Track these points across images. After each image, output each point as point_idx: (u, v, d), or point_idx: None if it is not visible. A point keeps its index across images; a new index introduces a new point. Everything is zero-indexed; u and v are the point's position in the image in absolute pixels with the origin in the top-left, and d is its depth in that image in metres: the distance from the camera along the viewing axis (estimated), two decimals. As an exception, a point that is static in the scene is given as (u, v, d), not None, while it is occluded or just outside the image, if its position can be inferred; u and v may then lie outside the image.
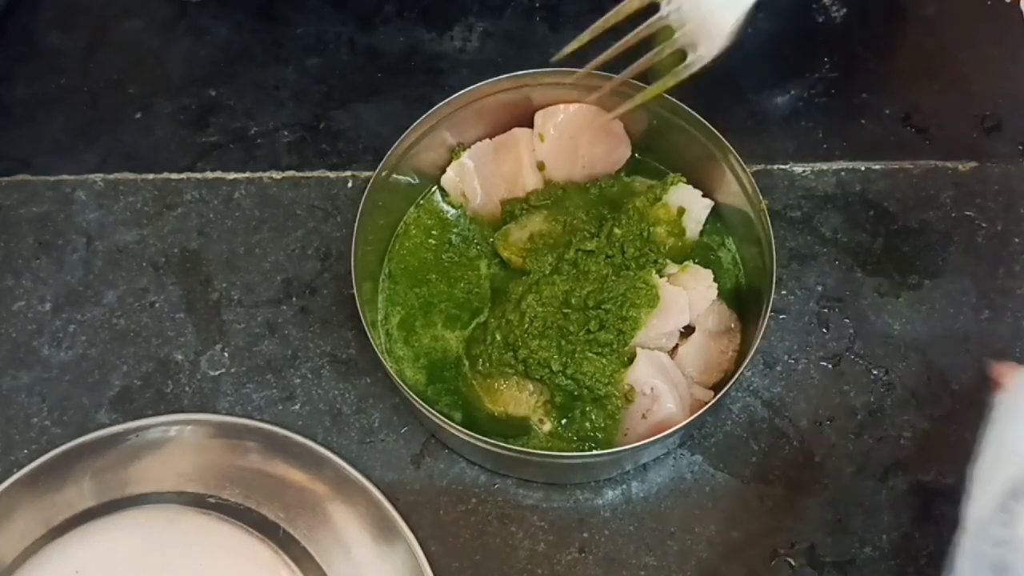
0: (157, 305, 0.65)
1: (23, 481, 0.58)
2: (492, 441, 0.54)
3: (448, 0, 0.76)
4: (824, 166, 0.69)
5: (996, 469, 0.39)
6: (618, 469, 0.60)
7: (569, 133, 0.64)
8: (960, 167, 0.69)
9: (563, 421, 0.58)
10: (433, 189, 0.66)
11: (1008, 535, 0.36)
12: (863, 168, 0.69)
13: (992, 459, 0.40)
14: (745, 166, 0.60)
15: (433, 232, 0.65)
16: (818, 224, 0.67)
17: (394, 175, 0.62)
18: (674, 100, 0.61)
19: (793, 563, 0.58)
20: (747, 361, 0.56)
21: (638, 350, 0.58)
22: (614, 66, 0.60)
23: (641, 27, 0.57)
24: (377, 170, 0.60)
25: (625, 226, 0.61)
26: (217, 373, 0.63)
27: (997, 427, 0.41)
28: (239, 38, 0.75)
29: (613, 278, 0.59)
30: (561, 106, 0.64)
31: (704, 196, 0.63)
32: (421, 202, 0.66)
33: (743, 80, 0.72)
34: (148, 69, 0.74)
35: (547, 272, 0.60)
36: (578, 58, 0.72)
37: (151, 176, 0.69)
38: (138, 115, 0.72)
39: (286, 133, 0.71)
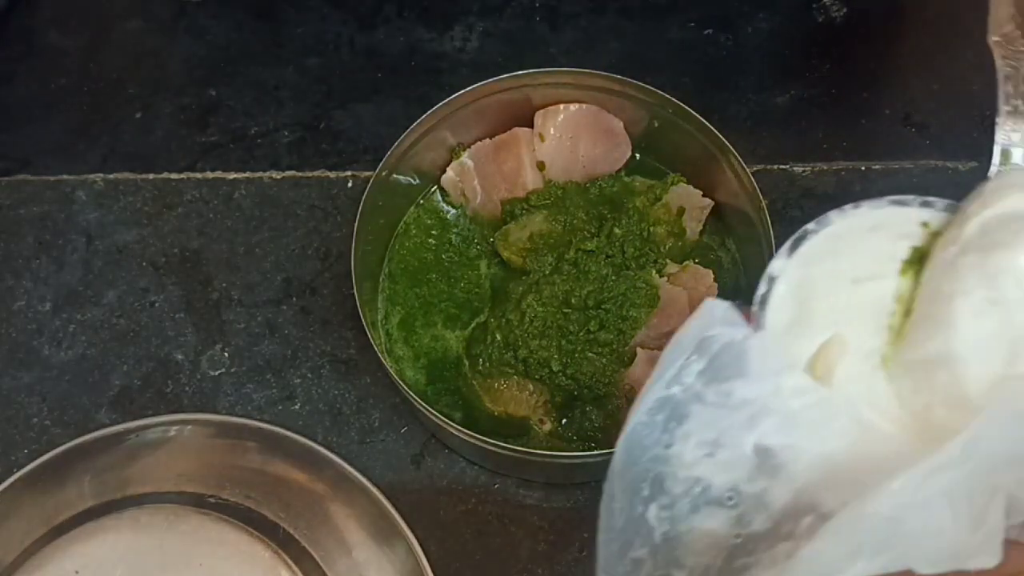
0: (157, 305, 0.65)
1: (23, 481, 0.58)
2: (492, 441, 0.54)
3: (448, 0, 0.76)
4: (824, 166, 0.69)
5: (655, 386, 0.38)
6: (618, 469, 0.60)
7: (569, 133, 0.64)
8: (960, 167, 0.69)
9: (563, 421, 0.58)
10: (433, 189, 0.66)
11: (666, 454, 0.37)
12: (863, 168, 0.69)
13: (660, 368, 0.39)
14: (745, 166, 0.60)
15: (433, 232, 0.65)
16: (818, 224, 0.67)
17: (394, 175, 0.62)
18: (674, 100, 0.61)
19: (793, 563, 0.58)
20: (747, 361, 0.56)
21: (638, 350, 0.58)
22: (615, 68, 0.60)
23: None
24: (377, 170, 0.60)
25: (625, 226, 0.61)
26: (217, 373, 0.63)
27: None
28: (239, 38, 0.75)
29: (613, 278, 0.59)
30: (561, 106, 0.64)
31: (704, 196, 0.63)
32: (421, 202, 0.65)
33: (743, 80, 0.72)
34: (148, 69, 0.74)
35: (547, 272, 0.60)
36: (578, 58, 0.72)
37: (151, 176, 0.69)
38: (138, 115, 0.72)
39: (286, 133, 0.71)
